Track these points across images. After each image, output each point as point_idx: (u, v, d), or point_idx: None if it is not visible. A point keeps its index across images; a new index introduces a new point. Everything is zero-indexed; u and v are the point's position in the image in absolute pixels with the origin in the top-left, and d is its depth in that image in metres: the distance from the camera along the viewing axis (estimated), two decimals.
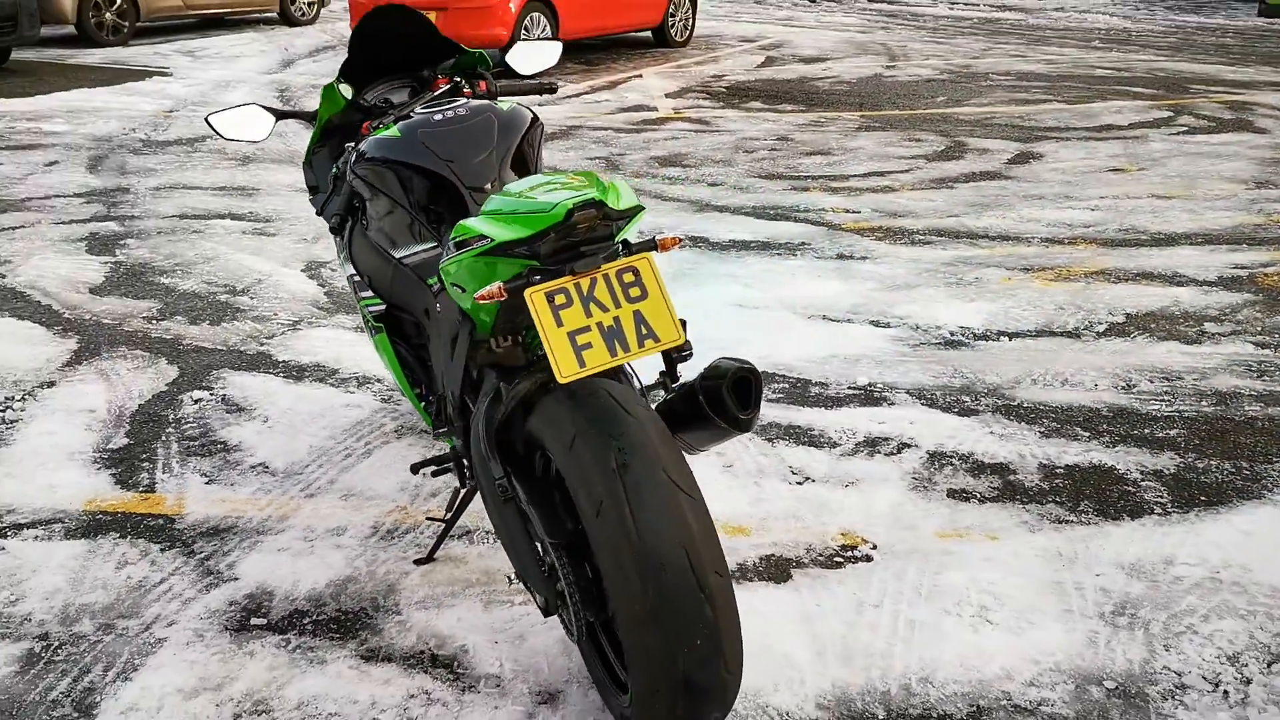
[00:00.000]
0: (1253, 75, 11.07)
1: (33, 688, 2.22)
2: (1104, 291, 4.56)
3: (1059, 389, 3.63)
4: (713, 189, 6.29)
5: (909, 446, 3.24)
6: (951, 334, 4.11)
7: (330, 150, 2.86)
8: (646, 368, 2.42)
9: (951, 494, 2.99)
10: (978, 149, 7.39)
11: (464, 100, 2.56)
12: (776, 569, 2.65)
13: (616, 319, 1.85)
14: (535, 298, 1.81)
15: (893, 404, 3.52)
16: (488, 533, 2.76)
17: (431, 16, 10.01)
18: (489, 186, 2.37)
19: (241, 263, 4.88)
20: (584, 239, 1.84)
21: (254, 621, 2.44)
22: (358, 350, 3.89)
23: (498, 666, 2.30)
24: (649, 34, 12.79)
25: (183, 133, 7.66)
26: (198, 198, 5.99)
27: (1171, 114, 8.78)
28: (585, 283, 1.84)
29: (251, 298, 4.45)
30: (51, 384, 3.63)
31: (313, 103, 8.62)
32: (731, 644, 1.81)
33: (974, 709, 2.19)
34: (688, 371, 2.11)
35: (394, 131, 2.46)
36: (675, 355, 2.11)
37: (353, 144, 2.68)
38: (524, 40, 3.08)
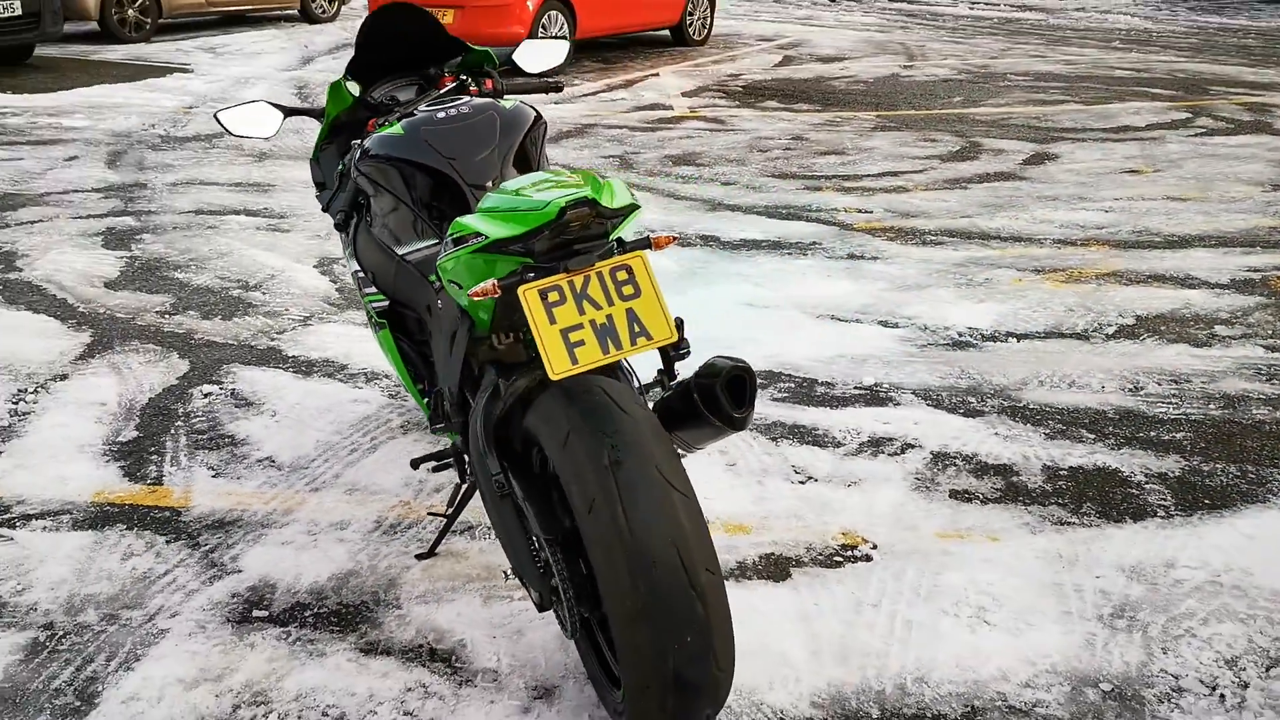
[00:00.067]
0: (1273, 77, 10.99)
1: (36, 676, 2.25)
2: (1115, 293, 4.55)
3: (1066, 391, 3.62)
4: (725, 188, 6.30)
5: (913, 447, 3.24)
6: (960, 335, 4.11)
7: (338, 147, 2.88)
8: (646, 366, 2.43)
9: (954, 495, 2.99)
10: (993, 149, 7.37)
11: (467, 98, 2.57)
12: (776, 568, 2.65)
13: (609, 316, 1.86)
14: (528, 295, 1.83)
15: (898, 404, 3.52)
16: (489, 528, 2.78)
17: (450, 15, 10.06)
18: (490, 184, 2.39)
19: (255, 258, 4.92)
20: (577, 237, 1.85)
21: (256, 614, 2.47)
22: (367, 346, 3.91)
23: (495, 661, 2.32)
24: (667, 33, 12.80)
25: (201, 129, 7.71)
26: (214, 193, 6.04)
27: (1190, 115, 8.73)
28: (578, 280, 1.86)
29: (264, 293, 4.48)
30: (64, 377, 3.67)
31: None
32: (722, 641, 1.82)
33: (969, 709, 2.20)
34: (687, 370, 2.12)
35: (397, 129, 2.48)
36: (673, 353, 2.13)
37: (359, 141, 2.70)
38: (539, 38, 3.10)
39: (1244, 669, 2.31)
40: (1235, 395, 3.59)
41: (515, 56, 2.98)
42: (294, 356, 3.86)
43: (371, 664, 2.31)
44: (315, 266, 4.82)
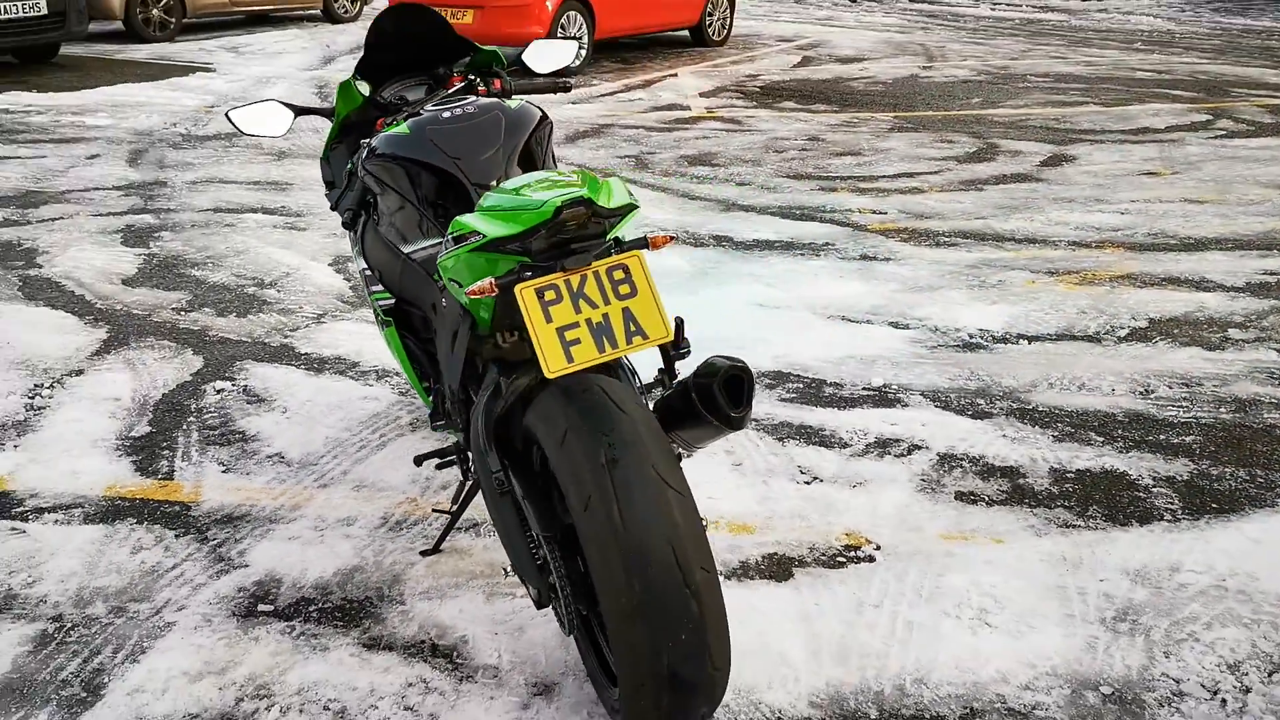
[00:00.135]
0: None
1: (44, 667, 2.29)
2: (1128, 296, 4.52)
3: (1075, 393, 3.61)
4: (740, 188, 6.30)
5: (920, 448, 3.24)
6: (970, 336, 4.10)
7: (347, 146, 2.91)
8: (646, 366, 2.44)
9: (959, 496, 2.99)
10: (1010, 151, 7.34)
11: (473, 98, 2.59)
12: (778, 567, 2.66)
13: (605, 315, 1.87)
14: (525, 293, 1.84)
15: (906, 405, 3.51)
16: (492, 525, 2.80)
17: (469, 15, 10.10)
18: (495, 183, 2.40)
19: (271, 256, 4.96)
20: (574, 236, 1.86)
21: (261, 608, 2.50)
22: (378, 344, 3.94)
23: (496, 657, 2.34)
24: (686, 33, 12.80)
25: (222, 128, 7.77)
26: (232, 192, 6.09)
27: (1210, 117, 8.66)
28: (575, 279, 1.87)
29: (279, 291, 4.52)
30: (80, 372, 3.72)
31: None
32: (717, 640, 1.82)
33: (967, 711, 2.20)
34: (688, 370, 2.13)
35: (403, 128, 2.50)
36: (673, 353, 2.14)
37: (367, 140, 2.73)
38: (555, 38, 3.12)
39: (1246, 674, 2.30)
40: (1246, 399, 3.57)
41: (524, 56, 2.99)
42: (306, 354, 3.90)
43: (374, 659, 2.33)
44: (330, 265, 4.86)
